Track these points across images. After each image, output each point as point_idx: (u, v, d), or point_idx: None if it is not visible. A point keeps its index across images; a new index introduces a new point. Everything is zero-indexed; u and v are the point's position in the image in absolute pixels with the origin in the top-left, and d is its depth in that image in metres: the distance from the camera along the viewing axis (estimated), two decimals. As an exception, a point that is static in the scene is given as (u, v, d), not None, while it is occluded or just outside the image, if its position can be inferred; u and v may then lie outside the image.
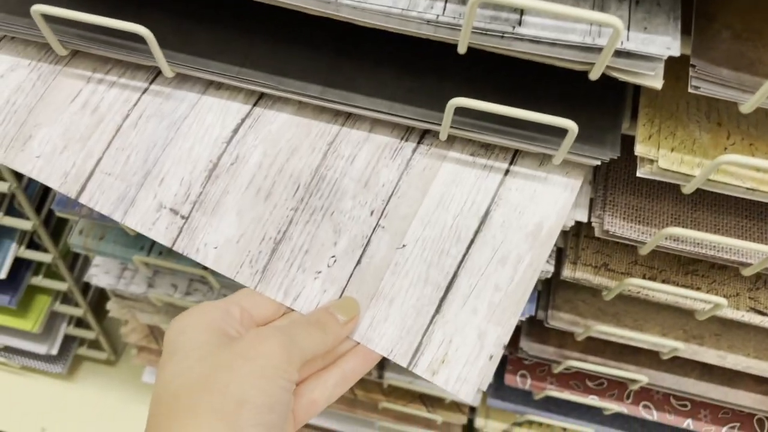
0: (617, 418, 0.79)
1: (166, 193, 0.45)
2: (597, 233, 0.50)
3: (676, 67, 0.44)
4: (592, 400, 0.73)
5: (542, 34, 0.37)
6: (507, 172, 0.46)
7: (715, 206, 0.50)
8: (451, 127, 0.44)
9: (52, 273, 0.96)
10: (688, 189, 0.43)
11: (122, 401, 1.12)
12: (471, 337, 0.42)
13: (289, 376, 0.36)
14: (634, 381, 0.67)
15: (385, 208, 0.45)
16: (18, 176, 0.80)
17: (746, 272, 0.49)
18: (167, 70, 0.46)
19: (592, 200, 0.52)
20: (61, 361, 1.11)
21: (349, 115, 0.47)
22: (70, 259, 0.96)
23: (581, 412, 0.80)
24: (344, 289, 0.43)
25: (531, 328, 0.69)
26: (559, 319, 0.62)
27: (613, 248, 0.56)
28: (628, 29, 0.37)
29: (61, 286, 0.95)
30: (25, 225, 0.84)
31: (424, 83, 0.46)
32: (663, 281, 0.56)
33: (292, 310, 0.43)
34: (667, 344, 0.59)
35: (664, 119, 0.44)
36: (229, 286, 0.73)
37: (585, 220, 0.50)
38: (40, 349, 1.05)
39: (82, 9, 0.45)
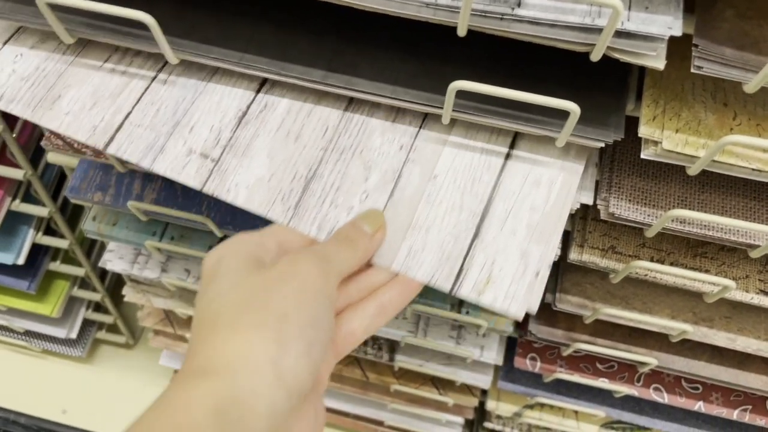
0: (628, 401, 0.79)
1: (196, 139, 0.46)
2: (603, 216, 0.50)
3: (681, 47, 0.43)
4: (603, 383, 0.73)
5: (542, 15, 0.37)
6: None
7: (722, 187, 0.50)
8: (454, 110, 0.44)
9: (69, 258, 0.98)
10: (693, 170, 0.43)
11: (140, 383, 1.14)
12: (514, 257, 0.42)
13: (327, 293, 0.35)
14: (643, 364, 0.66)
15: (413, 143, 0.46)
16: (34, 164, 0.81)
17: (754, 254, 0.49)
18: (172, 57, 0.46)
19: (597, 182, 0.52)
20: (80, 344, 1.13)
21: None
22: (87, 245, 0.98)
23: (592, 394, 0.80)
24: None
25: (540, 311, 0.68)
26: (567, 302, 0.62)
27: (620, 231, 0.56)
28: (629, 9, 0.37)
29: (79, 271, 0.97)
30: (41, 212, 0.85)
31: (426, 67, 0.45)
32: (671, 264, 0.56)
33: None
34: (676, 327, 0.59)
35: (669, 100, 0.44)
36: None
37: (590, 202, 0.50)
38: (60, 333, 1.07)
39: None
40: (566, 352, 0.69)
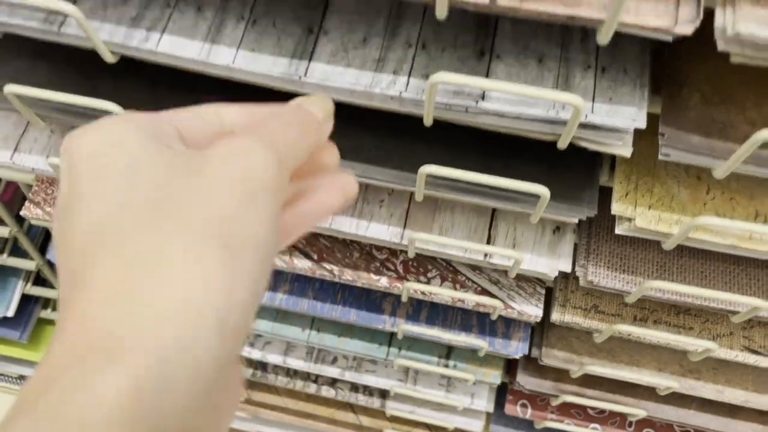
0: (621, 444, 0.79)
1: None
2: (581, 283, 0.50)
3: (653, 123, 0.43)
4: (594, 430, 0.72)
5: (505, 108, 0.36)
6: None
7: (701, 252, 0.49)
8: (429, 188, 0.44)
9: (60, 306, 0.98)
10: (667, 246, 0.43)
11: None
12: None
13: (283, 194, 0.25)
14: (633, 414, 0.66)
15: None
16: (19, 219, 0.81)
17: (735, 319, 0.48)
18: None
19: (576, 245, 0.51)
20: (75, 387, 1.13)
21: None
22: (76, 292, 0.97)
23: (585, 437, 0.79)
24: None
25: (527, 362, 0.68)
26: (553, 357, 0.62)
27: (602, 290, 0.56)
28: (593, 100, 0.37)
29: (70, 318, 0.96)
30: (29, 265, 0.85)
31: (400, 144, 0.45)
32: (655, 322, 0.56)
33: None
34: (662, 383, 0.59)
35: (642, 175, 0.43)
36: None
37: (569, 269, 0.50)
38: (53, 378, 1.06)
39: (58, 80, 0.45)
40: (555, 403, 0.68)
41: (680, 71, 0.38)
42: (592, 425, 0.73)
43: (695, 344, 0.51)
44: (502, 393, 0.77)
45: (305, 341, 0.70)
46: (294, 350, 0.77)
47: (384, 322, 0.64)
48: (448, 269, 0.58)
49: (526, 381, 0.68)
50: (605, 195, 0.45)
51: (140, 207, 0.21)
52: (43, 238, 0.87)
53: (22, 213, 0.59)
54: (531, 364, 0.68)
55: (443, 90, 0.37)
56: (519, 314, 0.56)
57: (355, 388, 0.83)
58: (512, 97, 0.37)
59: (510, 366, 0.72)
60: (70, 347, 0.18)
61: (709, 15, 0.31)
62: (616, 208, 0.42)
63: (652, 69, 0.39)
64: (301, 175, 0.30)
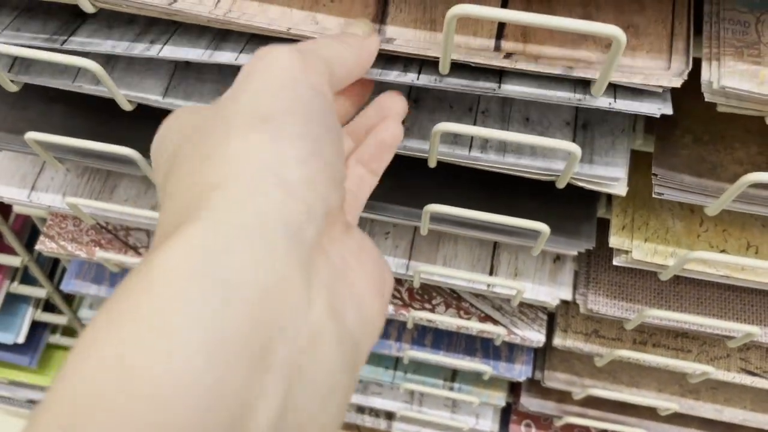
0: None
1: None
2: (582, 311, 0.51)
3: (648, 158, 0.44)
4: (597, 448, 0.74)
5: (504, 159, 0.38)
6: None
7: (696, 280, 0.51)
8: (432, 224, 0.45)
9: (69, 330, 0.99)
10: (664, 277, 0.44)
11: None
12: None
13: (312, 84, 0.25)
14: (634, 433, 0.68)
15: None
16: (29, 247, 0.83)
17: (731, 344, 0.50)
18: (157, 180, 0.48)
19: (576, 273, 0.53)
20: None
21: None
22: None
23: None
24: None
25: (531, 384, 0.70)
26: (556, 380, 0.64)
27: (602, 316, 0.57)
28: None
29: (79, 343, 0.98)
30: (39, 293, 0.86)
31: (405, 180, 0.47)
32: (654, 345, 0.57)
33: None
34: (663, 405, 0.60)
35: (638, 208, 0.45)
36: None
37: (570, 298, 0.51)
38: (63, 401, 1.07)
39: (74, 124, 0.47)
40: (559, 423, 0.70)
41: (673, 111, 0.40)
42: (595, 444, 0.74)
43: (693, 368, 0.53)
44: (506, 413, 0.79)
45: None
46: (301, 374, 0.78)
47: (390, 348, 0.65)
48: (452, 296, 0.59)
49: (529, 403, 0.69)
50: (603, 225, 0.47)
51: (193, 130, 0.24)
52: (52, 266, 0.89)
53: (37, 247, 0.61)
54: (534, 385, 0.69)
55: (445, 136, 0.39)
56: (522, 340, 0.58)
57: (361, 409, 0.84)
58: (509, 147, 0.38)
59: (514, 387, 0.74)
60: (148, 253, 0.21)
61: (698, 59, 0.33)
62: (614, 241, 0.44)
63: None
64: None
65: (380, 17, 0.34)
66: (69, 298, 0.93)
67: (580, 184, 0.39)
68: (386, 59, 0.34)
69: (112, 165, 0.48)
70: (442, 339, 0.66)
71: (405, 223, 0.47)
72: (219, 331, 0.18)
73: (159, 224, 0.22)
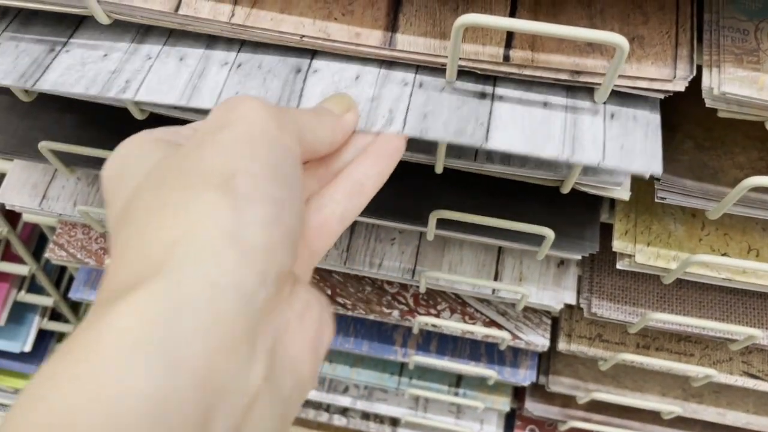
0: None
1: None
2: (585, 314, 0.52)
3: (648, 163, 0.45)
4: (601, 453, 0.74)
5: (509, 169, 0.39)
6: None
7: (699, 283, 0.52)
8: (439, 229, 0.46)
9: (74, 339, 1.00)
10: (666, 280, 0.45)
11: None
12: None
13: (284, 142, 0.25)
14: (638, 437, 0.68)
15: None
16: (37, 255, 0.84)
17: (733, 347, 0.50)
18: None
19: (580, 278, 0.54)
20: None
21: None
22: (91, 326, 0.99)
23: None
24: None
25: (535, 388, 0.70)
26: (560, 384, 0.64)
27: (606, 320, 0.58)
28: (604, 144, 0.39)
29: (84, 351, 0.99)
30: (46, 301, 0.87)
31: (410, 185, 0.48)
32: (657, 349, 0.58)
33: None
34: (666, 408, 0.61)
35: (640, 213, 0.46)
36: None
37: (573, 302, 0.52)
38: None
39: (85, 132, 0.48)
40: (563, 428, 0.70)
41: (674, 116, 0.41)
42: (599, 449, 0.75)
43: (696, 371, 0.53)
44: (510, 418, 0.79)
45: (318, 372, 0.73)
46: (307, 380, 0.79)
47: (395, 353, 0.66)
48: (457, 302, 0.60)
49: (534, 407, 0.70)
50: (606, 230, 0.48)
51: (151, 181, 0.23)
52: (58, 275, 0.90)
53: (46, 255, 0.62)
54: (538, 390, 0.70)
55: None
56: (527, 344, 0.58)
57: (366, 416, 0.84)
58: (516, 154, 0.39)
59: (518, 392, 0.74)
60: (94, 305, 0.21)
61: (698, 66, 0.34)
62: (617, 245, 0.45)
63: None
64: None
65: (391, 29, 0.35)
66: (75, 307, 0.94)
67: (584, 189, 0.40)
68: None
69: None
70: (447, 344, 0.66)
71: (411, 228, 0.48)
72: (162, 402, 0.18)
73: (110, 272, 0.21)
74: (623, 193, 0.40)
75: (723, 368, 0.57)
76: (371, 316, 0.60)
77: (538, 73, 0.34)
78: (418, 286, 0.53)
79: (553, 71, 0.34)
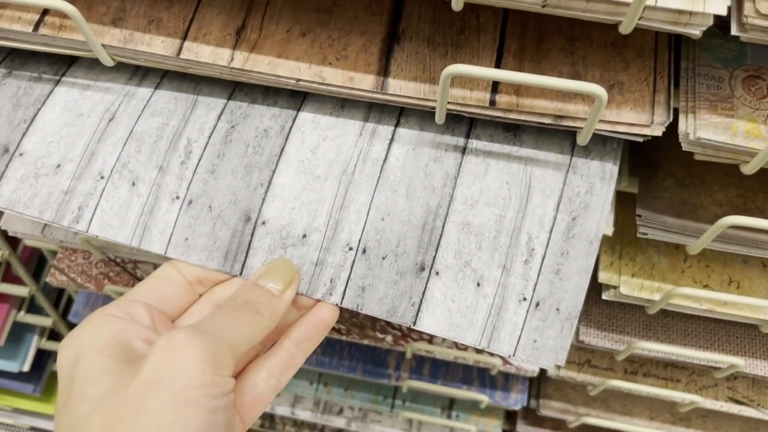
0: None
1: None
2: (574, 342, 0.53)
3: (633, 196, 0.47)
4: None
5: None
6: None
7: (684, 313, 0.53)
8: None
9: (72, 359, 1.01)
10: (650, 311, 0.47)
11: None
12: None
13: (221, 389, 0.28)
14: (628, 460, 0.69)
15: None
16: (36, 275, 0.85)
17: (717, 375, 0.52)
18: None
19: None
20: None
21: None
22: (89, 345, 1.00)
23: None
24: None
25: (527, 412, 0.71)
26: (550, 408, 0.65)
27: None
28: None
29: (82, 371, 1.00)
30: (45, 321, 0.88)
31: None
32: (644, 374, 0.59)
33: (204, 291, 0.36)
34: (653, 433, 0.62)
35: (625, 245, 0.48)
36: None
37: (562, 330, 0.53)
38: (64, 429, 1.09)
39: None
40: (554, 451, 0.71)
41: (656, 154, 0.43)
42: (590, 471, 0.76)
43: (682, 398, 0.55)
44: (503, 440, 0.80)
45: (313, 394, 0.74)
46: (302, 402, 0.80)
47: (389, 377, 0.67)
48: (449, 327, 0.61)
49: (525, 430, 0.71)
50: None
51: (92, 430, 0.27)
52: (57, 295, 0.91)
53: (47, 280, 0.63)
54: (530, 413, 0.71)
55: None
56: (517, 369, 0.60)
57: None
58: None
59: (510, 415, 0.76)
60: None
61: (677, 108, 0.36)
62: (602, 276, 0.46)
63: (630, 150, 0.43)
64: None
65: (383, 73, 0.37)
66: (74, 327, 0.95)
67: (570, 224, 0.42)
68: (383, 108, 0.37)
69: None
70: (440, 368, 0.67)
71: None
72: None
73: None
74: (607, 229, 0.41)
75: (709, 394, 0.58)
76: (365, 341, 0.61)
77: (523, 117, 0.36)
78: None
79: (537, 115, 0.36)
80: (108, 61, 0.39)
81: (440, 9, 0.38)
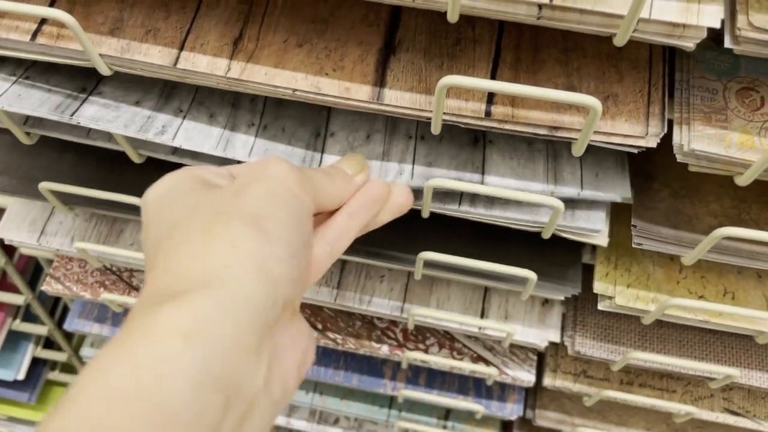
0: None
1: None
2: (569, 352, 0.53)
3: (628, 206, 0.47)
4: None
5: (492, 211, 0.41)
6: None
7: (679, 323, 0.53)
8: (426, 270, 0.48)
9: (69, 367, 1.00)
10: (646, 322, 0.47)
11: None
12: None
13: (303, 200, 0.30)
14: (624, 471, 0.69)
15: None
16: (32, 284, 0.85)
17: (712, 385, 0.52)
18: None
19: (564, 315, 0.55)
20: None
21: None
22: (84, 354, 1.00)
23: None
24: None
25: (522, 422, 0.71)
26: (546, 418, 0.65)
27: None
28: (581, 185, 0.41)
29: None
30: (40, 330, 0.88)
31: (400, 229, 0.49)
32: (640, 385, 0.59)
33: None
34: (649, 443, 0.62)
35: (620, 255, 0.48)
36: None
37: (558, 340, 0.53)
38: (59, 438, 1.08)
39: (84, 172, 0.49)
40: (550, 462, 0.71)
41: (650, 164, 0.43)
42: (586, 482, 0.75)
43: (677, 408, 0.55)
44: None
45: (309, 404, 0.74)
46: (297, 411, 0.80)
47: (385, 387, 0.67)
48: (445, 337, 0.61)
49: (521, 440, 0.71)
50: (589, 269, 0.49)
51: (192, 213, 0.28)
52: (53, 303, 0.91)
53: (43, 288, 0.63)
54: (526, 424, 0.71)
55: (437, 191, 0.41)
56: (513, 380, 0.59)
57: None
58: (496, 201, 0.41)
59: (506, 424, 0.75)
60: (136, 308, 0.25)
61: (672, 119, 0.36)
62: (598, 287, 0.46)
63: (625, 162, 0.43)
64: None
65: (379, 84, 0.37)
66: (69, 335, 0.94)
67: (564, 235, 0.42)
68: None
69: (121, 212, 0.50)
70: (436, 378, 0.67)
71: (399, 268, 0.49)
72: (199, 374, 0.23)
73: (150, 281, 0.27)
74: (601, 240, 0.42)
75: (704, 405, 0.58)
76: (361, 351, 0.61)
77: (518, 128, 0.36)
78: (407, 323, 0.55)
79: (533, 126, 0.36)
80: (105, 71, 0.39)
81: (436, 20, 0.39)
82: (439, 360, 0.58)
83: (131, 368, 0.22)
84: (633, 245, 0.42)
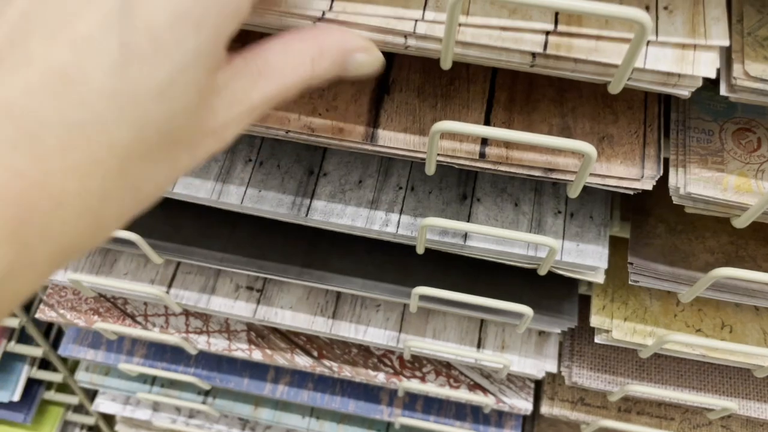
0: None
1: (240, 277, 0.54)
2: (567, 383, 0.53)
3: (626, 240, 0.47)
4: None
5: (489, 247, 0.40)
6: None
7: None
8: (421, 302, 0.47)
9: (63, 387, 1.00)
10: (643, 355, 0.46)
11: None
12: None
13: None
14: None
15: None
16: (27, 310, 0.84)
17: (710, 416, 0.51)
18: (156, 259, 0.50)
19: (561, 345, 0.55)
20: (76, 465, 1.14)
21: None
22: (80, 374, 1.00)
23: None
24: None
25: (520, 447, 0.71)
26: (544, 445, 0.65)
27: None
28: (563, 239, 0.41)
29: (73, 399, 0.99)
30: (35, 351, 0.87)
31: (396, 262, 0.49)
32: (638, 413, 0.59)
33: None
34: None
35: (617, 288, 0.47)
36: (228, 415, 0.76)
37: (554, 370, 0.53)
38: (55, 457, 1.08)
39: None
40: (548, 487, 0.70)
41: (647, 201, 0.43)
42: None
43: (676, 438, 0.54)
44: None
45: (305, 428, 0.73)
46: (294, 434, 0.79)
47: (381, 413, 0.66)
48: (442, 364, 0.61)
49: (519, 466, 0.70)
50: (586, 300, 0.49)
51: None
52: (48, 325, 0.90)
53: (36, 316, 0.63)
54: (523, 449, 0.71)
55: (431, 231, 0.41)
56: (510, 408, 0.59)
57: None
58: (492, 238, 0.41)
59: (504, 448, 0.75)
60: None
61: (668, 158, 0.36)
62: (594, 320, 0.46)
63: (620, 197, 0.43)
64: None
65: (373, 124, 0.37)
66: (64, 360, 0.94)
67: (560, 272, 0.41)
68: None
69: (114, 245, 0.50)
70: (433, 405, 0.67)
71: (396, 301, 0.49)
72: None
73: None
74: (598, 277, 0.41)
75: (703, 433, 0.58)
76: (357, 379, 0.61)
77: (512, 170, 0.36)
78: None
79: (527, 168, 0.35)
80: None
81: (430, 60, 0.38)
82: (436, 389, 0.58)
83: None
84: (630, 282, 0.41)
